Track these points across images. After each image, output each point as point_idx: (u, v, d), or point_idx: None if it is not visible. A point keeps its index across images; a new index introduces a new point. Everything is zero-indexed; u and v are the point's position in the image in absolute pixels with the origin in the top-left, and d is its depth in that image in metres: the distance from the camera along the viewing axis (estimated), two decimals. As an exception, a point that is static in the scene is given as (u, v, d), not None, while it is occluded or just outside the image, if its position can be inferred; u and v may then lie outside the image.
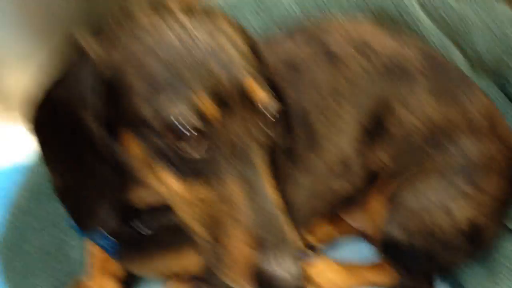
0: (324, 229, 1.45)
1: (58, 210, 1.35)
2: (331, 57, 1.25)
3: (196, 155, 0.81)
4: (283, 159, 1.19)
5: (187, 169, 0.82)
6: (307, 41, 1.28)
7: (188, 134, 0.79)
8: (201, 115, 0.79)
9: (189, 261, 1.15)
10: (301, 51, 1.26)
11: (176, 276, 1.21)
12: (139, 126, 0.83)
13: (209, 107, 0.80)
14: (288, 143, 1.19)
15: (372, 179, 1.30)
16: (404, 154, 1.27)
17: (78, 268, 1.35)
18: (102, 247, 1.15)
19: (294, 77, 1.23)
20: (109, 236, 1.10)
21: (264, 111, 0.86)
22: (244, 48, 0.89)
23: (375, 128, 1.26)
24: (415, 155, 1.26)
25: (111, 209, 0.91)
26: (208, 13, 0.90)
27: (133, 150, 0.86)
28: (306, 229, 1.42)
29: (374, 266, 1.37)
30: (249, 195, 0.79)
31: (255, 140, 0.84)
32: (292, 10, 1.50)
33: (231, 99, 0.82)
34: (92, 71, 0.84)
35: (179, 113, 0.79)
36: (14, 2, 1.63)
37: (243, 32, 0.94)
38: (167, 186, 0.85)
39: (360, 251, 1.47)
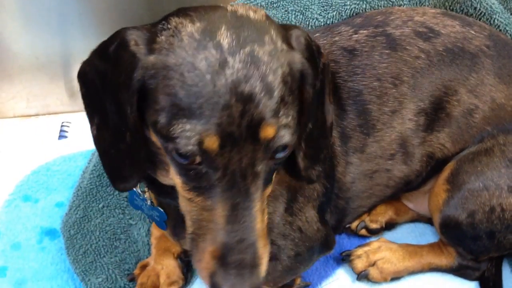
0: (383, 212, 1.44)
1: (120, 193, 1.40)
2: (391, 41, 1.25)
3: (195, 173, 0.86)
4: (336, 142, 1.20)
5: (189, 178, 0.88)
6: (366, 25, 1.28)
7: (190, 159, 0.84)
8: (203, 150, 0.82)
9: None
10: (360, 36, 1.26)
11: None
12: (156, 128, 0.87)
13: (213, 145, 0.82)
14: (341, 124, 1.20)
15: (431, 162, 1.28)
16: (464, 135, 1.25)
17: (141, 248, 1.39)
18: (151, 218, 1.20)
19: (350, 61, 1.23)
20: (158, 208, 1.16)
21: (271, 146, 0.86)
22: (280, 74, 0.85)
23: (435, 111, 1.24)
24: (475, 135, 1.25)
25: (139, 178, 1.00)
26: (258, 27, 0.87)
27: (156, 141, 0.91)
28: (366, 212, 1.42)
29: (432, 247, 1.36)
30: (230, 219, 0.86)
31: (255, 171, 0.86)
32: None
33: (239, 137, 0.83)
34: (135, 64, 0.86)
35: (185, 142, 0.82)
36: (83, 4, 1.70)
37: (288, 48, 0.90)
38: (174, 180, 0.92)
39: (418, 234, 1.46)
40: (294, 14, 1.53)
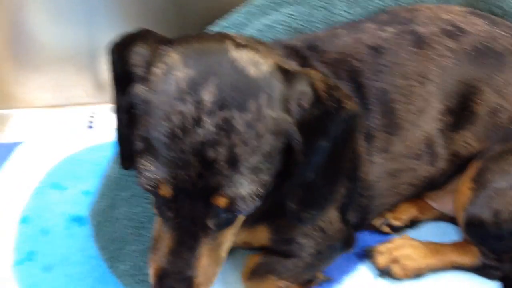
0: (406, 210, 1.45)
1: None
2: (417, 38, 1.25)
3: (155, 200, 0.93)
4: (359, 142, 1.21)
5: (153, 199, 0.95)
6: (392, 22, 1.29)
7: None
8: (157, 194, 0.87)
9: (260, 234, 1.21)
10: (385, 33, 1.26)
11: (249, 246, 1.27)
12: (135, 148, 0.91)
13: (166, 194, 0.86)
14: (365, 124, 1.21)
15: (456, 161, 1.29)
16: (489, 134, 1.26)
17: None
18: None
19: (375, 59, 1.23)
20: None
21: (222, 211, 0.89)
22: (252, 146, 0.84)
23: (461, 110, 1.25)
24: (500, 135, 1.25)
25: None
26: (250, 88, 0.86)
27: None
28: (388, 210, 1.43)
29: (455, 245, 1.36)
30: (173, 252, 0.92)
31: (205, 222, 0.90)
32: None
33: (193, 194, 0.86)
34: (128, 84, 0.92)
35: (144, 181, 0.87)
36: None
37: (276, 115, 0.87)
38: None
39: (442, 233, 1.46)
40: (319, 10, 1.53)
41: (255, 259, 1.26)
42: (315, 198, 1.01)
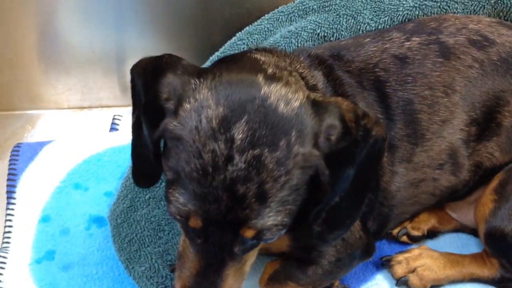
0: (426, 220, 1.43)
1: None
2: (443, 48, 1.24)
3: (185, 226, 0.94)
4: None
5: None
6: (418, 32, 1.28)
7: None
8: (188, 224, 0.90)
9: (280, 241, 1.19)
10: (411, 43, 1.25)
11: (268, 252, 1.27)
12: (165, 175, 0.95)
13: (196, 225, 0.89)
14: (388, 135, 1.19)
15: (479, 172, 1.27)
16: None
17: (183, 240, 1.41)
18: None
19: (401, 69, 1.22)
20: None
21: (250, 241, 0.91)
22: (282, 182, 0.86)
23: (486, 121, 1.23)
24: None
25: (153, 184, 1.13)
26: (281, 126, 0.86)
27: None
28: (408, 219, 1.41)
29: (474, 257, 1.34)
30: (200, 273, 0.95)
31: (232, 249, 0.93)
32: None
33: (222, 226, 0.88)
34: (161, 117, 0.92)
35: (174, 211, 0.89)
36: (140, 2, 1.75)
37: (306, 151, 0.88)
38: None
39: (461, 244, 1.44)
40: (346, 18, 1.53)
41: (274, 265, 1.26)
42: (339, 219, 1.02)
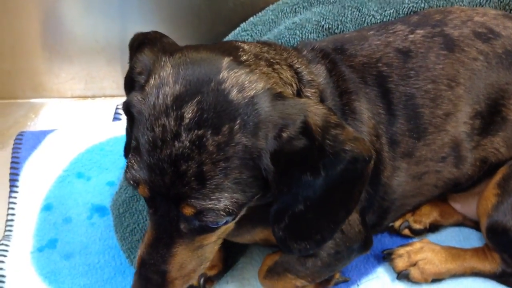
0: (428, 213, 1.43)
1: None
2: (448, 41, 1.23)
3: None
4: (384, 149, 1.20)
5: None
6: (423, 24, 1.27)
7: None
8: (138, 190, 0.94)
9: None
10: (415, 35, 1.24)
11: (267, 243, 1.26)
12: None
13: (143, 192, 0.93)
14: (390, 130, 1.20)
15: (483, 166, 1.27)
16: None
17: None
18: None
19: (404, 63, 1.21)
20: None
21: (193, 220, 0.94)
22: (221, 167, 0.88)
23: (491, 114, 1.22)
24: None
25: None
26: (228, 112, 0.88)
27: None
28: (410, 212, 1.41)
29: (476, 251, 1.34)
30: (152, 245, 0.98)
31: (178, 226, 0.95)
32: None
33: (166, 199, 0.92)
34: (131, 88, 0.98)
35: (128, 176, 0.93)
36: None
37: (249, 142, 0.89)
38: None
39: (462, 238, 1.44)
40: (351, 10, 1.53)
41: (273, 257, 1.26)
42: (305, 231, 1.00)
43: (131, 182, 0.93)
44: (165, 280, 1.00)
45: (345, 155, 0.91)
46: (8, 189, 1.56)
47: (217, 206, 0.90)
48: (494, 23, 1.27)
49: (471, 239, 1.43)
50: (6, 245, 1.42)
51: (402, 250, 1.36)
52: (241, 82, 0.90)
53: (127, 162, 0.94)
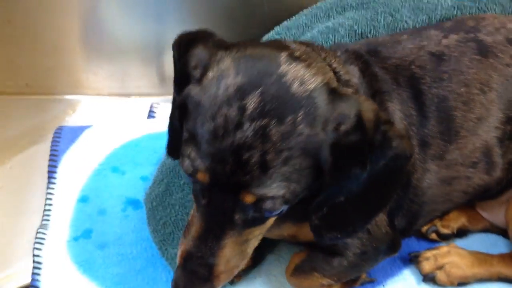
0: (456, 219, 1.43)
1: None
2: (481, 46, 1.24)
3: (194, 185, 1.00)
4: (414, 147, 1.20)
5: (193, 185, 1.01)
6: (456, 30, 1.28)
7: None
8: (196, 178, 0.94)
9: (307, 230, 1.21)
10: (449, 40, 1.25)
11: (295, 240, 1.29)
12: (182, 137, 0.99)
13: (203, 179, 0.93)
14: (421, 132, 1.20)
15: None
16: None
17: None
18: None
19: (437, 66, 1.22)
20: None
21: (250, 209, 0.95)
22: (283, 157, 0.89)
23: None
24: None
25: None
26: (291, 103, 0.89)
27: None
28: (438, 217, 1.42)
29: (502, 257, 1.34)
30: (200, 237, 0.99)
31: (233, 216, 0.96)
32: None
33: (225, 187, 0.92)
34: (186, 83, 0.98)
35: (186, 164, 0.94)
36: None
37: (311, 133, 0.90)
38: None
39: (490, 244, 1.44)
40: (384, 15, 1.54)
41: (300, 256, 1.28)
42: (341, 222, 1.03)
43: (189, 170, 0.93)
44: (212, 274, 1.01)
45: (390, 151, 0.93)
46: (47, 181, 1.61)
47: (277, 195, 0.91)
48: None
49: (498, 245, 1.43)
50: (43, 233, 1.47)
51: (429, 253, 1.36)
52: (301, 76, 0.93)
53: (182, 152, 0.95)
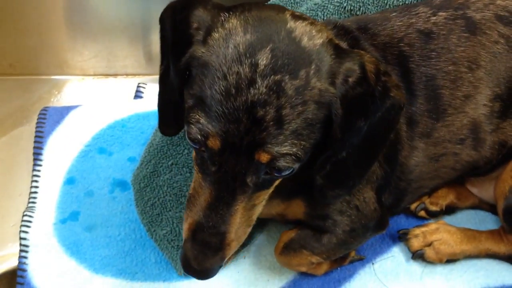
0: (444, 196, 1.43)
1: (188, 152, 1.46)
2: (469, 23, 1.23)
3: (200, 156, 0.97)
4: (402, 128, 1.21)
5: (197, 156, 0.99)
6: (445, 7, 1.26)
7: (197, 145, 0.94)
8: (206, 145, 0.92)
9: (296, 208, 1.23)
10: (437, 18, 1.24)
11: (284, 218, 1.29)
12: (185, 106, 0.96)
13: (214, 145, 0.91)
14: (409, 110, 1.20)
15: (502, 150, 1.27)
16: None
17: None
18: None
19: (425, 44, 1.22)
20: None
21: (263, 168, 0.93)
22: (298, 111, 0.89)
23: (510, 97, 1.23)
24: None
25: (178, 130, 1.16)
26: (302, 57, 0.90)
27: None
28: (427, 194, 1.43)
29: (491, 233, 1.35)
30: (210, 206, 0.97)
31: (245, 179, 0.94)
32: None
33: (239, 149, 0.90)
34: (189, 46, 0.94)
35: (194, 131, 0.91)
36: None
37: (323, 87, 0.91)
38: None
39: (478, 221, 1.46)
40: (372, -8, 1.52)
41: (289, 234, 1.29)
42: (342, 178, 1.05)
43: (199, 137, 0.91)
44: (223, 243, 1.00)
45: (388, 101, 0.95)
46: (32, 163, 1.59)
47: (290, 152, 0.90)
48: None
49: (486, 222, 1.44)
50: (30, 216, 1.45)
51: (417, 231, 1.37)
52: (308, 31, 0.93)
53: (188, 121, 0.92)
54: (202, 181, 0.99)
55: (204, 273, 1.04)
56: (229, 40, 0.90)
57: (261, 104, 0.87)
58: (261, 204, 1.04)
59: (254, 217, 1.05)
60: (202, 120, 0.90)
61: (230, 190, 0.96)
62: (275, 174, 0.95)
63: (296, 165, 0.93)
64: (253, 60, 0.88)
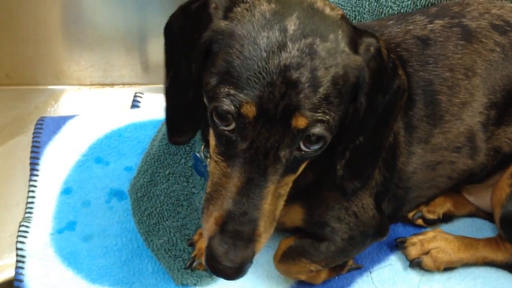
0: (441, 204, 1.44)
1: (185, 161, 1.46)
2: (465, 32, 1.24)
3: (226, 139, 0.92)
4: (400, 132, 1.21)
5: (220, 142, 0.94)
6: (441, 15, 1.28)
7: (226, 123, 0.90)
8: (240, 114, 0.88)
9: (294, 214, 1.22)
10: (434, 25, 1.26)
11: (282, 226, 1.27)
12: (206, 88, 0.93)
13: (249, 113, 0.88)
14: (407, 114, 1.21)
15: (498, 157, 1.27)
16: None
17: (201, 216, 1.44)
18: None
19: (423, 50, 1.23)
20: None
21: (299, 136, 0.90)
22: (331, 73, 0.88)
23: (506, 105, 1.23)
24: None
25: (192, 135, 1.12)
26: (328, 24, 0.91)
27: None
28: (424, 203, 1.42)
29: (488, 241, 1.35)
30: (241, 191, 0.92)
31: (277, 154, 0.91)
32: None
33: (274, 116, 0.88)
34: (209, 25, 0.92)
35: (226, 102, 0.88)
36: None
37: (350, 52, 0.91)
38: (210, 142, 0.98)
39: (475, 229, 1.45)
40: (368, 1, 1.53)
41: (288, 242, 1.28)
42: (360, 168, 1.06)
43: (232, 107, 0.87)
44: (255, 233, 0.94)
45: (397, 81, 0.98)
46: (29, 173, 1.58)
47: (325, 118, 0.89)
48: (511, 16, 1.27)
49: (483, 229, 1.44)
50: (27, 226, 1.45)
51: (415, 239, 1.37)
52: (328, 4, 0.94)
53: (215, 96, 0.89)
54: (227, 168, 0.94)
55: (236, 270, 0.95)
56: (254, 10, 0.90)
57: (295, 67, 0.86)
58: (284, 196, 1.00)
59: (277, 213, 1.00)
60: (232, 92, 0.87)
61: (262, 170, 0.91)
62: (306, 149, 0.93)
63: (328, 135, 0.91)
64: (281, 25, 0.88)
